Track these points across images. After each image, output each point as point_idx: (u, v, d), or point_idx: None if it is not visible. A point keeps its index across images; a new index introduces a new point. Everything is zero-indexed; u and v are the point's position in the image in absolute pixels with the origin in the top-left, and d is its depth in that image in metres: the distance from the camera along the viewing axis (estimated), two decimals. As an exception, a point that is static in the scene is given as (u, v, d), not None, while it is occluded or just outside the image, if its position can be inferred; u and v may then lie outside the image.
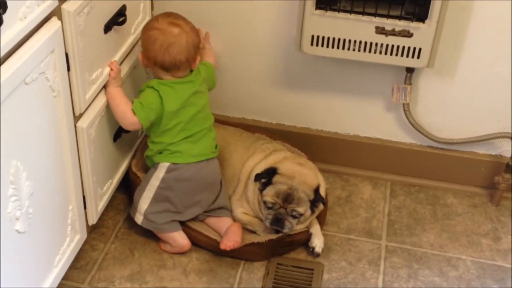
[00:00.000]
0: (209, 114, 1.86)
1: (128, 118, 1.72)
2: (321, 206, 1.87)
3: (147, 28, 1.76)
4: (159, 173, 1.79)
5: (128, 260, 1.86)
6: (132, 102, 1.73)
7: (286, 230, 1.82)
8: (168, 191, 1.80)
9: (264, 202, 1.81)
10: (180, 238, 1.85)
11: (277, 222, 1.81)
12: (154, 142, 1.80)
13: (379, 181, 2.17)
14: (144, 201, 1.82)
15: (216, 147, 1.88)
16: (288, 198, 1.79)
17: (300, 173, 1.83)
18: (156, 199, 1.81)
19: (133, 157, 2.00)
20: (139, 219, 1.84)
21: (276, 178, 1.81)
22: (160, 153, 1.80)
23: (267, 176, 1.82)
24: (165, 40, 1.71)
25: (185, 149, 1.78)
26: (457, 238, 1.98)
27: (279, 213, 1.80)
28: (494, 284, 1.84)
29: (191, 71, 1.79)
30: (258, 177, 1.84)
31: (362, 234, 1.98)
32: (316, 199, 1.82)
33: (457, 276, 1.86)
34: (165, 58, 1.71)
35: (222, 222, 1.88)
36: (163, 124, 1.75)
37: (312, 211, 1.84)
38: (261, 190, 1.83)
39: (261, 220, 1.89)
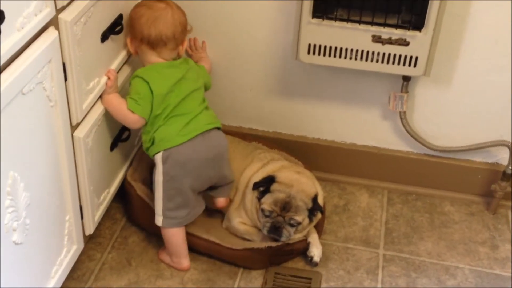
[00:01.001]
0: (200, 99, 1.80)
1: (129, 118, 1.72)
2: (319, 215, 1.87)
3: (134, 7, 1.76)
4: (158, 167, 1.76)
5: (125, 270, 1.85)
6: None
7: (283, 239, 1.82)
8: (173, 182, 1.76)
9: (262, 210, 1.81)
10: (183, 259, 1.84)
11: (275, 230, 1.81)
12: (145, 132, 1.77)
13: (376, 189, 2.17)
14: (158, 202, 1.79)
15: (215, 119, 1.82)
16: (286, 206, 1.79)
17: (298, 181, 1.83)
18: (167, 196, 1.77)
19: (130, 166, 1.99)
20: (159, 221, 1.80)
21: (274, 187, 1.81)
22: (152, 143, 1.76)
23: (265, 185, 1.82)
24: (151, 14, 1.71)
25: (172, 131, 1.73)
26: (455, 246, 1.98)
27: (276, 221, 1.80)
28: (492, 292, 1.84)
29: (178, 57, 1.79)
30: (256, 186, 1.83)
31: (359, 242, 1.97)
32: (314, 208, 1.82)
33: (455, 285, 1.85)
34: (151, 31, 1.70)
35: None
36: (154, 109, 1.72)
37: (310, 220, 1.84)
38: (259, 199, 1.83)
39: (259, 230, 1.88)
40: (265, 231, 1.82)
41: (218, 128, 1.83)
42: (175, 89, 1.74)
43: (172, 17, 1.73)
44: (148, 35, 1.71)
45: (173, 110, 1.74)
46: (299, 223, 1.81)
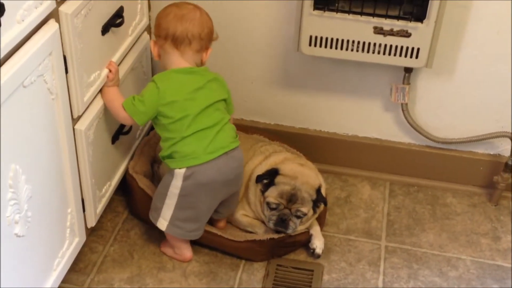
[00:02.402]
0: (223, 111, 1.76)
1: (120, 114, 1.70)
2: (322, 206, 1.87)
3: (162, 9, 1.75)
4: (177, 182, 1.71)
5: (128, 263, 1.85)
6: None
7: (289, 231, 1.82)
8: (190, 197, 1.73)
9: (268, 204, 1.81)
10: (185, 250, 1.84)
11: (282, 223, 1.80)
12: (164, 139, 1.73)
13: (378, 181, 2.17)
14: (168, 208, 1.75)
15: (236, 136, 1.77)
16: (292, 198, 1.79)
17: (302, 173, 1.83)
18: (180, 206, 1.74)
19: (131, 159, 1.99)
20: (163, 225, 1.77)
21: (278, 179, 1.81)
22: (172, 157, 1.71)
23: (268, 177, 1.82)
24: (179, 12, 1.70)
25: (198, 147, 1.68)
26: (457, 238, 1.98)
27: (283, 214, 1.80)
28: (494, 283, 1.84)
29: (202, 65, 1.75)
30: (260, 179, 1.83)
31: (361, 234, 1.98)
32: (318, 199, 1.82)
33: (457, 276, 1.85)
34: (177, 28, 1.67)
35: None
36: (167, 116, 1.68)
37: (314, 212, 1.84)
38: (263, 192, 1.83)
39: (262, 222, 1.88)
40: (271, 225, 1.82)
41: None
42: (195, 97, 1.69)
43: (200, 17, 1.71)
44: (174, 32, 1.68)
45: (196, 120, 1.69)
46: (305, 214, 1.81)
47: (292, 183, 1.80)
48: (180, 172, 1.70)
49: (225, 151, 1.72)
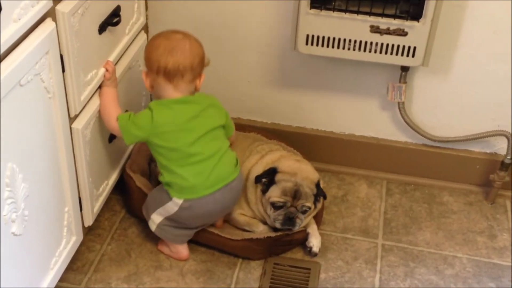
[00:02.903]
0: (221, 138, 1.76)
1: (111, 121, 1.70)
2: (321, 201, 1.88)
3: (151, 39, 1.73)
4: (173, 206, 1.73)
5: (125, 261, 1.85)
6: (126, 111, 1.71)
7: (296, 228, 1.82)
8: (184, 220, 1.77)
9: (272, 203, 1.80)
10: (182, 248, 1.84)
11: (289, 221, 1.80)
12: (161, 166, 1.73)
13: (375, 179, 2.18)
14: (158, 216, 1.78)
15: (236, 163, 1.78)
16: (296, 194, 1.79)
17: (300, 169, 1.83)
18: (170, 219, 1.77)
19: (128, 158, 1.99)
20: (152, 227, 1.81)
21: (278, 177, 1.81)
22: (171, 186, 1.72)
23: (268, 176, 1.82)
24: (168, 44, 1.66)
25: (197, 180, 1.69)
26: (453, 236, 1.98)
27: (290, 212, 1.80)
28: (490, 281, 1.84)
29: (196, 91, 1.73)
30: (259, 179, 1.83)
31: (358, 233, 1.98)
32: (318, 193, 1.83)
33: (453, 274, 1.86)
34: (168, 60, 1.64)
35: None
36: (160, 145, 1.68)
37: (315, 206, 1.84)
38: (264, 192, 1.83)
39: (260, 221, 1.89)
40: (277, 225, 1.81)
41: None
42: (190, 127, 1.68)
43: (190, 47, 1.68)
44: (165, 65, 1.64)
45: (192, 151, 1.68)
46: (309, 208, 1.81)
47: (293, 179, 1.80)
48: (177, 202, 1.72)
49: (224, 183, 1.73)
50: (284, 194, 1.79)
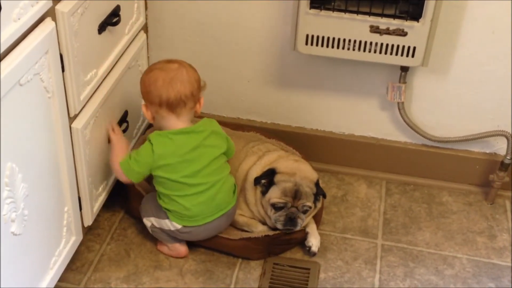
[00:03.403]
0: (222, 166, 1.78)
1: (116, 169, 1.74)
2: (321, 200, 1.88)
3: (145, 73, 1.73)
4: (171, 227, 1.78)
5: (124, 261, 1.85)
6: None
7: (298, 228, 1.82)
8: (178, 236, 1.81)
9: (273, 204, 1.80)
10: (180, 246, 1.85)
11: (291, 222, 1.80)
12: (161, 194, 1.76)
13: (375, 180, 2.18)
14: (151, 222, 1.81)
15: (234, 191, 1.82)
16: (296, 194, 1.79)
17: (299, 168, 1.83)
18: (164, 231, 1.81)
19: (128, 158, 1.99)
20: (147, 225, 1.84)
21: (278, 178, 1.81)
22: (171, 212, 1.75)
23: (267, 178, 1.82)
24: (166, 76, 1.67)
25: (199, 211, 1.73)
26: (453, 236, 1.98)
27: (291, 213, 1.80)
28: (490, 282, 1.84)
29: (196, 115, 1.75)
30: (258, 180, 1.83)
31: (358, 233, 1.98)
32: (318, 193, 1.83)
33: (453, 275, 1.86)
34: (169, 93, 1.66)
35: None
36: (161, 176, 1.70)
37: (315, 205, 1.84)
38: (263, 193, 1.83)
39: (259, 221, 1.89)
40: (279, 225, 1.81)
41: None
42: (191, 158, 1.70)
43: (187, 75, 1.69)
44: (167, 97, 1.66)
45: (192, 182, 1.70)
46: (310, 208, 1.82)
47: (292, 179, 1.80)
48: (177, 226, 1.77)
49: (223, 213, 1.77)
50: (284, 195, 1.79)
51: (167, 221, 1.78)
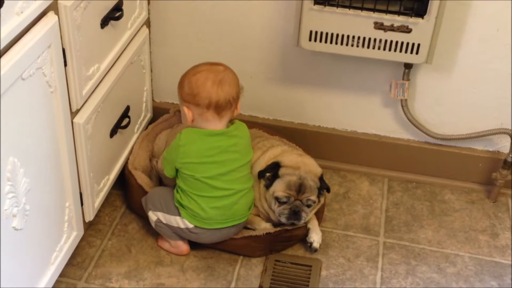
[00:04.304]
0: (247, 176, 1.78)
1: (161, 170, 1.82)
2: (325, 194, 1.87)
3: (189, 75, 1.69)
4: (180, 224, 1.76)
5: (125, 257, 1.85)
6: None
7: (302, 222, 1.82)
8: (183, 235, 1.80)
9: (277, 198, 1.80)
10: (182, 243, 1.84)
11: (294, 215, 1.80)
12: (181, 190, 1.75)
13: (377, 177, 2.17)
14: (158, 216, 1.80)
15: (250, 207, 1.81)
16: (300, 188, 1.78)
17: (304, 162, 1.83)
18: (171, 227, 1.80)
19: (130, 153, 1.98)
20: (152, 221, 1.82)
21: (282, 171, 1.80)
22: (185, 209, 1.74)
23: (271, 171, 1.81)
24: (215, 77, 1.66)
25: (215, 215, 1.73)
26: (455, 234, 1.98)
27: (295, 206, 1.79)
28: (492, 280, 1.84)
29: (231, 123, 1.74)
30: (262, 174, 1.82)
31: (360, 230, 1.97)
32: (322, 187, 1.83)
33: (455, 273, 1.85)
34: (219, 95, 1.65)
35: None
36: (187, 173, 1.70)
37: (319, 199, 1.84)
38: (267, 187, 1.82)
39: (262, 219, 1.88)
40: (283, 219, 1.81)
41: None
42: (215, 161, 1.69)
43: (233, 77, 1.70)
44: (217, 99, 1.65)
45: (217, 183, 1.71)
46: (314, 202, 1.81)
47: (297, 173, 1.79)
48: (188, 225, 1.76)
49: (234, 224, 1.77)
50: (288, 188, 1.78)
51: (178, 218, 1.76)
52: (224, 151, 1.70)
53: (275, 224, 1.86)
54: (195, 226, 1.76)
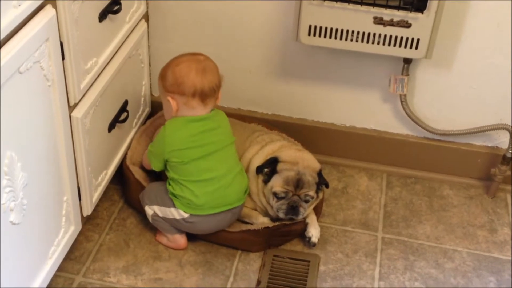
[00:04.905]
0: (234, 156, 1.80)
1: (146, 160, 1.86)
2: (323, 189, 1.87)
3: (170, 67, 1.71)
4: (176, 215, 1.77)
5: (123, 252, 1.84)
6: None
7: (300, 217, 1.81)
8: (180, 227, 1.80)
9: (275, 193, 1.79)
10: (179, 237, 1.84)
11: (292, 211, 1.80)
12: (171, 179, 1.76)
13: (376, 172, 2.17)
14: (154, 210, 1.80)
15: (245, 191, 1.82)
16: (298, 183, 1.78)
17: (302, 158, 1.83)
18: (167, 220, 1.80)
19: (128, 148, 1.98)
20: (148, 214, 1.83)
21: (280, 166, 1.80)
22: (178, 198, 1.74)
23: (269, 166, 1.81)
24: (198, 66, 1.69)
25: (208, 200, 1.73)
26: (453, 230, 1.97)
27: (293, 201, 1.79)
28: (490, 275, 1.84)
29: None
30: (260, 169, 1.82)
31: (358, 225, 1.97)
32: (321, 182, 1.82)
33: (453, 268, 1.85)
34: (203, 83, 1.68)
35: None
36: (175, 160, 1.71)
37: (317, 195, 1.84)
38: (265, 182, 1.82)
39: (259, 213, 1.88)
40: (281, 214, 1.81)
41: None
42: (202, 143, 1.71)
43: (214, 66, 1.73)
44: (202, 87, 1.68)
45: (203, 164, 1.71)
46: (312, 198, 1.81)
47: (295, 168, 1.79)
48: (183, 214, 1.76)
49: (229, 208, 1.77)
50: (286, 184, 1.78)
51: (172, 209, 1.76)
52: (208, 134, 1.72)
53: (273, 219, 1.86)
54: (190, 215, 1.75)
